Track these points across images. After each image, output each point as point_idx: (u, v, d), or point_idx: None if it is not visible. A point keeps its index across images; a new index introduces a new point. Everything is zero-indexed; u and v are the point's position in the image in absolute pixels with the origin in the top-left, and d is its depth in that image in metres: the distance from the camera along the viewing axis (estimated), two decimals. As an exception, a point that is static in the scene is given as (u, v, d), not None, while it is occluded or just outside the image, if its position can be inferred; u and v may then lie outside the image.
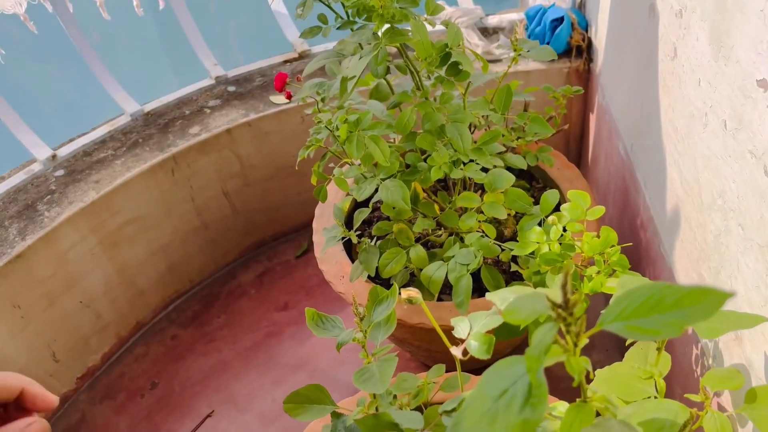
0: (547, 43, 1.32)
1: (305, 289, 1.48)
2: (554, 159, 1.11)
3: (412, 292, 0.61)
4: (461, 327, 0.60)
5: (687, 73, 0.82)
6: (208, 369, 1.35)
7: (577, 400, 0.49)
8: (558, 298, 0.39)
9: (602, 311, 0.39)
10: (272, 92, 1.43)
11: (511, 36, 1.34)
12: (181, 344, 1.40)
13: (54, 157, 1.26)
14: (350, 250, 1.11)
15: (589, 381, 0.68)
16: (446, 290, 1.04)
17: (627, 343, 0.67)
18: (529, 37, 1.37)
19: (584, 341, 0.41)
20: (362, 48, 0.90)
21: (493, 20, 1.44)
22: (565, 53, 1.36)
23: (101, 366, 1.36)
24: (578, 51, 1.35)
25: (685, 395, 0.63)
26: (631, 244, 1.01)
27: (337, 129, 0.86)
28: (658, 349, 0.64)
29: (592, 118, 1.37)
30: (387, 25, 0.84)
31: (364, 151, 0.84)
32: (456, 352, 0.58)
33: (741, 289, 0.70)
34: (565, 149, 1.48)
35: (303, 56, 1.47)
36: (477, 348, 0.58)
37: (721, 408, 0.76)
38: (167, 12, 1.42)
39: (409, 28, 0.85)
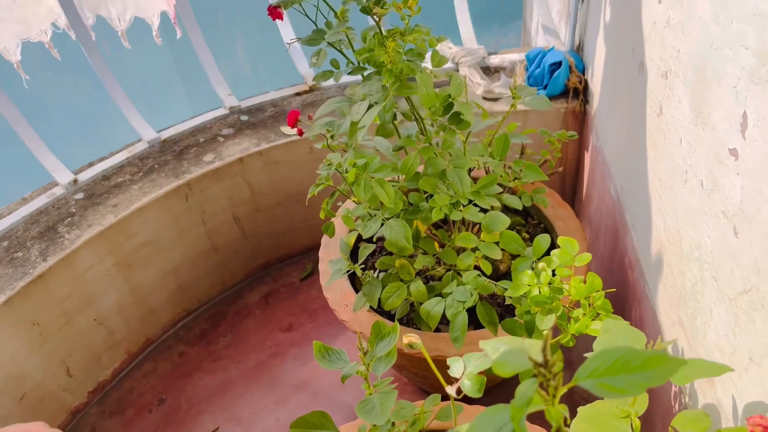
0: (545, 86, 1.39)
1: (308, 311, 1.54)
2: (548, 198, 1.18)
3: (413, 338, 0.67)
4: (456, 367, 0.67)
5: (671, 131, 0.89)
6: (214, 387, 1.41)
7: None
8: (539, 358, 0.45)
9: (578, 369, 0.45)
10: (283, 122, 1.50)
11: (513, 75, 1.42)
12: (188, 361, 1.46)
13: (75, 181, 1.33)
14: (354, 279, 1.18)
15: (573, 414, 0.74)
16: (444, 320, 1.10)
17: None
18: (528, 78, 1.44)
19: (562, 392, 0.47)
20: (371, 95, 0.97)
21: (495, 60, 1.51)
22: (563, 94, 1.43)
23: (111, 381, 1.43)
24: (575, 92, 1.42)
25: (657, 435, 0.69)
26: (614, 289, 1.08)
27: (347, 171, 0.93)
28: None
29: (587, 157, 1.43)
30: (395, 80, 0.91)
31: (370, 193, 0.91)
32: (451, 390, 0.64)
33: (713, 336, 0.77)
34: (561, 185, 1.55)
35: (313, 89, 1.54)
36: (470, 387, 0.64)
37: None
38: (181, 41, 1.50)
39: (415, 81, 0.92)
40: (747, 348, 0.68)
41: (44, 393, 1.27)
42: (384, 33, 0.91)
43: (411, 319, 1.10)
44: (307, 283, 1.61)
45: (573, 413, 0.68)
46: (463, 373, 0.66)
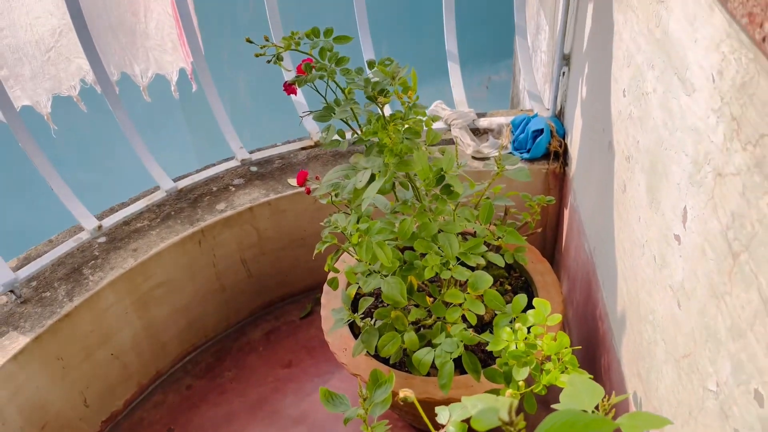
0: (529, 150, 1.54)
1: (307, 348, 1.66)
2: (529, 255, 1.32)
3: (408, 392, 0.79)
4: (443, 414, 0.79)
5: (632, 208, 1.03)
6: (219, 418, 1.52)
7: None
8: (506, 418, 0.58)
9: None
10: (290, 174, 1.63)
11: (500, 137, 1.57)
12: (195, 394, 1.58)
13: (100, 227, 1.45)
14: (353, 324, 1.30)
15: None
16: (433, 364, 1.22)
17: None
18: (514, 141, 1.58)
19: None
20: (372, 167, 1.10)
21: (483, 122, 1.66)
22: (545, 156, 1.58)
23: (123, 411, 1.53)
24: (556, 155, 1.57)
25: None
26: (580, 347, 1.21)
27: (351, 234, 1.06)
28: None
29: (566, 214, 1.58)
30: (395, 158, 1.04)
31: (371, 253, 1.04)
32: (437, 435, 0.77)
33: (663, 390, 0.90)
34: (543, 237, 1.69)
35: (318, 144, 1.68)
36: (454, 432, 0.77)
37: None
38: (190, 96, 1.64)
39: (413, 158, 1.06)
40: (687, 403, 0.81)
41: (63, 422, 1.38)
42: (386, 117, 1.05)
43: (404, 363, 1.22)
44: (306, 321, 1.74)
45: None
46: (448, 420, 0.79)
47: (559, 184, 1.59)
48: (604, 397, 0.87)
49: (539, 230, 1.34)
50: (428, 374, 1.21)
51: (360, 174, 1.11)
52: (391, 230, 1.11)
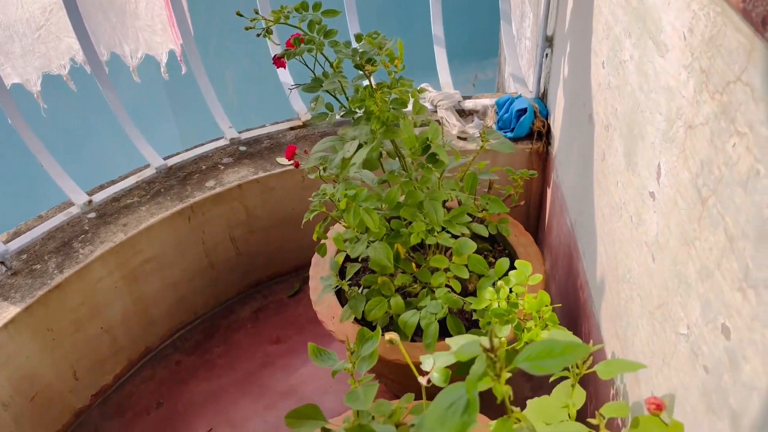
0: (512, 129, 1.58)
1: (296, 326, 1.69)
2: (512, 228, 1.35)
3: (393, 336, 0.82)
4: (427, 362, 0.82)
5: (610, 174, 1.07)
6: (208, 393, 1.54)
7: (504, 416, 0.71)
8: (488, 345, 0.61)
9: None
10: (279, 153, 1.66)
11: (484, 118, 1.60)
12: (184, 369, 1.59)
13: (90, 202, 1.47)
14: (340, 295, 1.33)
15: (523, 407, 0.90)
16: (418, 332, 1.25)
17: (551, 380, 0.90)
18: (498, 121, 1.62)
19: (506, 374, 0.63)
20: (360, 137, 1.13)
21: (469, 104, 1.70)
22: (528, 136, 1.62)
23: (113, 385, 1.55)
24: (539, 135, 1.61)
25: (587, 419, 0.85)
26: (560, 305, 1.25)
27: (339, 200, 1.09)
28: (573, 386, 0.87)
29: (548, 192, 1.62)
30: (382, 125, 1.08)
31: (359, 219, 1.07)
32: (422, 380, 0.79)
33: (639, 344, 0.94)
34: (526, 216, 1.73)
35: (306, 125, 1.71)
36: (438, 378, 0.80)
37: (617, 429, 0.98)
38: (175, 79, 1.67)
39: (399, 126, 1.09)
40: (660, 352, 0.85)
41: (53, 394, 1.39)
42: (374, 86, 1.08)
43: (390, 329, 1.25)
44: (294, 300, 1.76)
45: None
46: (432, 367, 0.82)
47: (542, 163, 1.63)
48: (583, 347, 0.90)
49: (522, 203, 1.37)
50: (414, 340, 1.24)
51: (348, 144, 1.14)
52: (378, 198, 1.14)
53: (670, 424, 0.68)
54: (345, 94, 1.22)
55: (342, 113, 1.22)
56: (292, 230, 1.71)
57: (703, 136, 0.70)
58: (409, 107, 1.14)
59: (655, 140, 0.86)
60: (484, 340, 0.63)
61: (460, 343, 0.79)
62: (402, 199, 1.17)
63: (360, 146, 1.11)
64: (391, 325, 1.24)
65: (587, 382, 1.12)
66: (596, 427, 0.84)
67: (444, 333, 1.23)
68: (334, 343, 1.58)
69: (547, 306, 0.98)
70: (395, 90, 1.08)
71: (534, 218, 1.74)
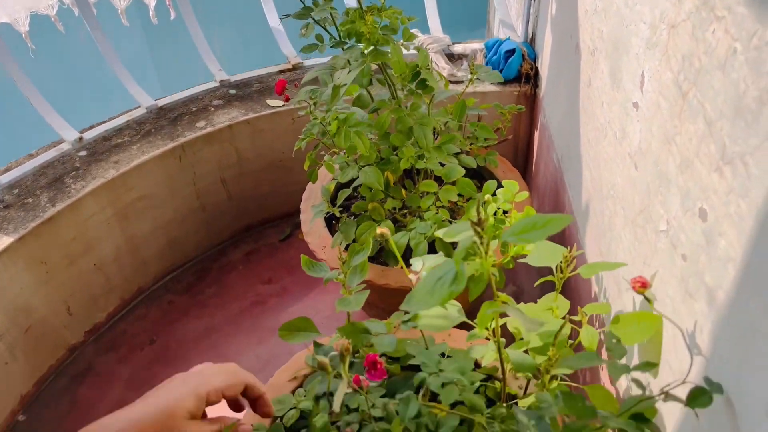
0: (501, 70, 1.59)
1: (287, 267, 1.71)
2: (500, 163, 1.37)
3: (385, 230, 0.84)
4: (417, 264, 0.85)
5: (596, 98, 1.09)
6: (200, 330, 1.56)
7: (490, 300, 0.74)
8: (475, 219, 0.64)
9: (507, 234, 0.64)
10: (269, 96, 1.66)
11: (473, 61, 1.62)
12: (176, 309, 1.61)
13: (81, 139, 1.47)
14: (331, 226, 1.35)
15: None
16: (409, 255, 1.28)
17: (536, 284, 0.93)
18: (486, 64, 1.64)
19: (492, 249, 0.66)
20: (351, 64, 1.15)
21: (458, 48, 1.71)
22: (516, 79, 1.63)
23: (106, 323, 1.57)
24: (527, 78, 1.63)
25: (570, 317, 0.88)
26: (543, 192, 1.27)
27: (329, 124, 1.11)
28: (557, 291, 0.90)
29: (536, 135, 1.64)
30: (372, 47, 1.09)
31: (350, 142, 1.09)
32: (413, 277, 0.82)
33: (621, 255, 0.97)
34: (513, 160, 1.75)
35: (296, 68, 1.71)
36: (427, 277, 0.82)
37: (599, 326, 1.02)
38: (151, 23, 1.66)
39: (389, 50, 1.10)
40: (641, 255, 0.88)
41: (47, 328, 1.41)
42: (364, 8, 1.09)
43: (380, 257, 1.27)
44: (285, 244, 1.78)
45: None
46: (422, 267, 0.84)
47: (529, 105, 1.65)
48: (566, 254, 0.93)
49: (510, 137, 1.39)
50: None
51: (338, 73, 1.15)
52: (368, 125, 1.15)
53: (654, 300, 0.71)
54: (335, 25, 1.23)
55: (332, 44, 1.23)
56: (283, 175, 1.73)
57: (684, 31, 0.73)
58: (399, 35, 1.16)
59: (639, 50, 0.88)
60: (472, 214, 0.66)
61: (429, 264, 0.83)
62: (392, 131, 1.19)
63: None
64: (382, 253, 1.27)
65: (570, 296, 1.16)
66: (579, 323, 0.88)
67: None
68: (322, 286, 1.61)
69: (533, 221, 1.01)
70: (385, 13, 1.09)
71: (522, 162, 1.76)
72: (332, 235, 1.31)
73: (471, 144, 1.32)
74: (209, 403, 0.67)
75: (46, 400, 1.42)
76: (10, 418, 1.37)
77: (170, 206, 1.59)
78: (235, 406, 0.72)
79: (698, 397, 0.60)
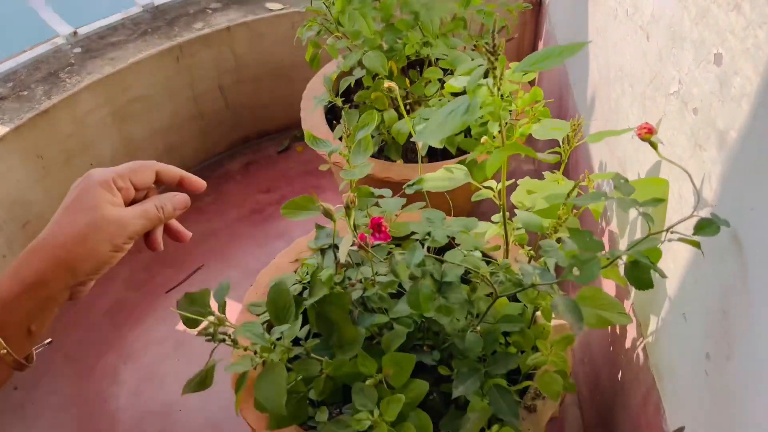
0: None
1: (286, 178, 1.70)
2: (506, 62, 1.35)
3: (392, 83, 0.83)
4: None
5: (607, -19, 1.07)
6: (199, 234, 1.56)
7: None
8: (490, 47, 0.62)
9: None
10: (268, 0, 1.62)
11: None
12: (174, 215, 1.60)
13: (75, 33, 1.43)
14: (332, 126, 1.33)
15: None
16: (413, 151, 1.27)
17: (544, 156, 0.92)
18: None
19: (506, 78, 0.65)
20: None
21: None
22: (522, -12, 1.60)
23: (103, 227, 1.56)
24: (533, -16, 1.59)
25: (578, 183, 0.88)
26: (552, 100, 1.26)
27: (333, 4, 1.08)
28: (564, 166, 0.89)
29: (541, 44, 1.61)
30: None
31: (354, 22, 1.06)
32: (419, 142, 0.81)
33: (626, 104, 0.96)
34: (517, 72, 1.73)
35: (296, -29, 1.67)
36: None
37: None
38: None
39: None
40: (652, 120, 0.87)
41: (45, 224, 1.40)
42: None
43: (381, 155, 1.26)
44: (284, 155, 1.76)
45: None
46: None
47: (536, 15, 1.62)
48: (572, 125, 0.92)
49: (516, 35, 1.37)
50: (407, 160, 1.26)
51: (342, -44, 1.12)
52: (372, 8, 1.13)
53: (661, 145, 0.70)
54: None
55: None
56: (283, 84, 1.70)
57: None
58: None
59: None
60: (485, 40, 0.65)
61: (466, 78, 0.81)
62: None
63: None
64: (384, 146, 1.25)
65: (574, 178, 1.16)
66: (586, 188, 0.88)
67: (440, 154, 1.25)
68: (324, 193, 1.60)
69: (539, 101, 1.00)
70: None
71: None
72: (332, 130, 1.29)
73: (476, 42, 1.30)
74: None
75: (45, 297, 1.42)
76: (10, 314, 1.37)
77: (168, 110, 1.57)
78: (151, 243, 0.63)
79: (705, 227, 0.60)
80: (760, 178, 0.56)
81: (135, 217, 0.56)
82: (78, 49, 1.46)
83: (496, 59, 0.62)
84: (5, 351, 0.49)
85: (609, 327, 1.05)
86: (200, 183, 0.64)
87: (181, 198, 0.63)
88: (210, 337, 0.64)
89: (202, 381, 0.67)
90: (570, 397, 1.20)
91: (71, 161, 1.41)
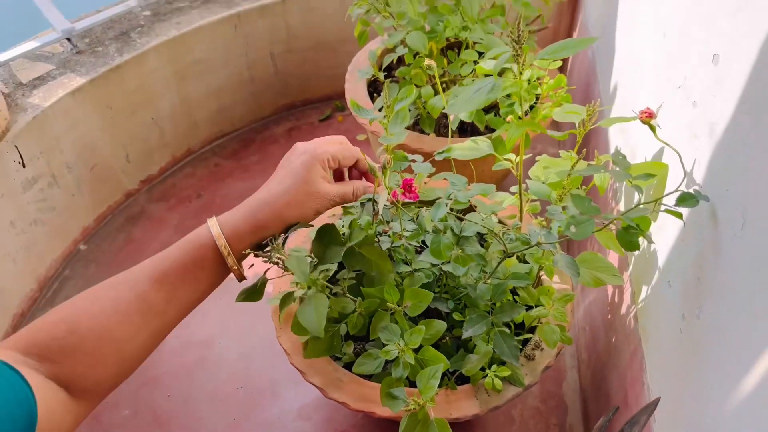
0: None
1: (325, 144, 1.82)
2: (537, 49, 1.45)
3: (431, 61, 0.94)
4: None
5: (636, -20, 1.16)
6: (243, 189, 1.70)
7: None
8: (515, 36, 0.73)
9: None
10: (321, -23, 1.73)
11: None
12: (222, 171, 1.75)
13: (147, -4, 1.57)
14: (371, 96, 1.45)
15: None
16: (445, 125, 1.38)
17: (560, 136, 1.03)
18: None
19: (535, 68, 0.76)
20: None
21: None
22: (562, -21, 1.68)
23: (158, 177, 1.71)
24: (572, -23, 1.67)
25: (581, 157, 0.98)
26: (575, 87, 1.35)
27: (383, -13, 1.19)
28: (578, 144, 1.00)
29: (575, 34, 1.70)
30: None
31: (401, 4, 1.17)
32: (449, 110, 0.93)
33: (644, 94, 1.06)
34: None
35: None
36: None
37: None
38: None
39: None
40: (661, 112, 0.97)
41: (108, 170, 1.56)
42: None
43: (417, 125, 1.38)
44: (325, 124, 1.89)
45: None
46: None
47: (571, 9, 1.70)
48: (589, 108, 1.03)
49: (550, 25, 1.46)
50: (439, 134, 1.37)
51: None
52: (419, -8, 1.23)
53: (659, 129, 0.81)
54: None
55: None
56: (329, 56, 1.82)
57: None
58: None
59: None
60: (511, 30, 0.76)
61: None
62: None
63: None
64: (419, 119, 1.37)
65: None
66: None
67: (469, 130, 1.36)
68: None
69: (562, 87, 1.10)
70: None
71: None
72: (373, 103, 1.41)
73: (510, 30, 1.39)
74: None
75: (104, 234, 1.59)
76: (73, 246, 1.53)
77: (223, 73, 1.70)
78: (341, 179, 0.84)
79: (686, 200, 0.71)
80: (735, 162, 0.67)
81: (337, 195, 0.78)
82: (147, 12, 1.60)
83: (521, 47, 0.73)
84: (236, 267, 0.73)
85: (609, 297, 1.17)
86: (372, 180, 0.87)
87: (370, 189, 0.85)
88: (267, 260, 0.77)
89: (254, 291, 0.81)
90: (570, 361, 1.31)
91: (135, 113, 1.56)
